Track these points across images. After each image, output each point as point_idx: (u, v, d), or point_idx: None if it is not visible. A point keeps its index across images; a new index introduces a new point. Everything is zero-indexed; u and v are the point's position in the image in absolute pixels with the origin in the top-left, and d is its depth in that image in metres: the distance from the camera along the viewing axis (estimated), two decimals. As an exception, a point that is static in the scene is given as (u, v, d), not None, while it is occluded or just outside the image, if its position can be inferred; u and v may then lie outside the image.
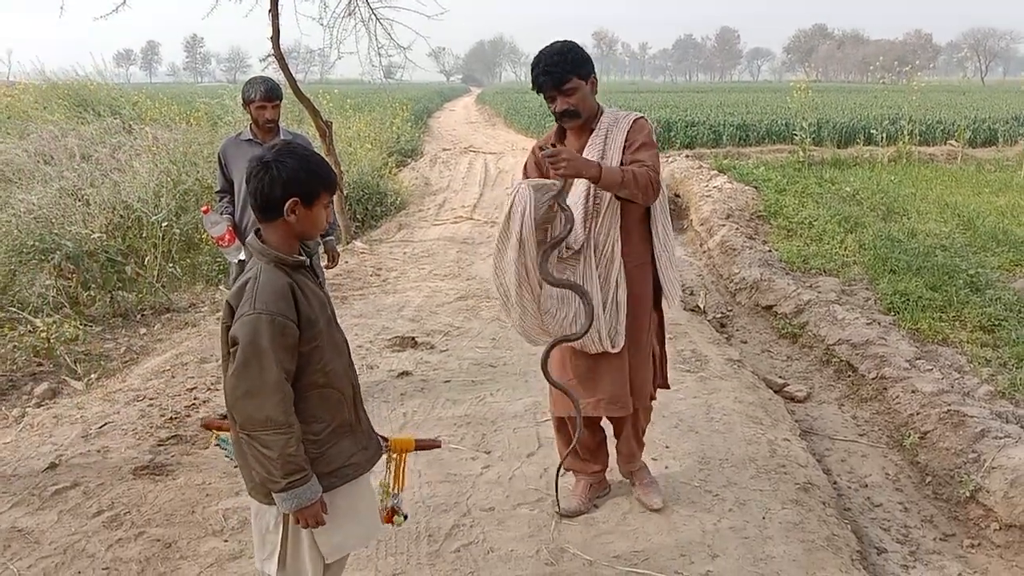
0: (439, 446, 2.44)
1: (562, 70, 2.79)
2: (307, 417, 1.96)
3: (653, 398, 3.26)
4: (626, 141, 2.86)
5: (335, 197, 9.64)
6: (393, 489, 2.27)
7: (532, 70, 2.87)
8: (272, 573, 2.06)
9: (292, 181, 1.92)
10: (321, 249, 4.40)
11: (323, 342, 1.97)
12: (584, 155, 2.84)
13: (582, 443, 3.17)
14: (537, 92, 2.88)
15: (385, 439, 2.26)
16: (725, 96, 30.80)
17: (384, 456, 2.24)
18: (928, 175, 12.43)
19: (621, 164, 2.82)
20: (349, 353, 2.13)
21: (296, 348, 1.91)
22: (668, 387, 3.36)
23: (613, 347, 2.93)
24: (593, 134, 2.91)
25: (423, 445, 2.34)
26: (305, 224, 1.97)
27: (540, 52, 2.86)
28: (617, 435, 3.29)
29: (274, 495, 1.92)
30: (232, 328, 1.90)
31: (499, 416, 4.18)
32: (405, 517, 2.31)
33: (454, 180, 13.89)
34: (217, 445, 2.30)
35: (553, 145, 2.93)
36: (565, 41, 2.87)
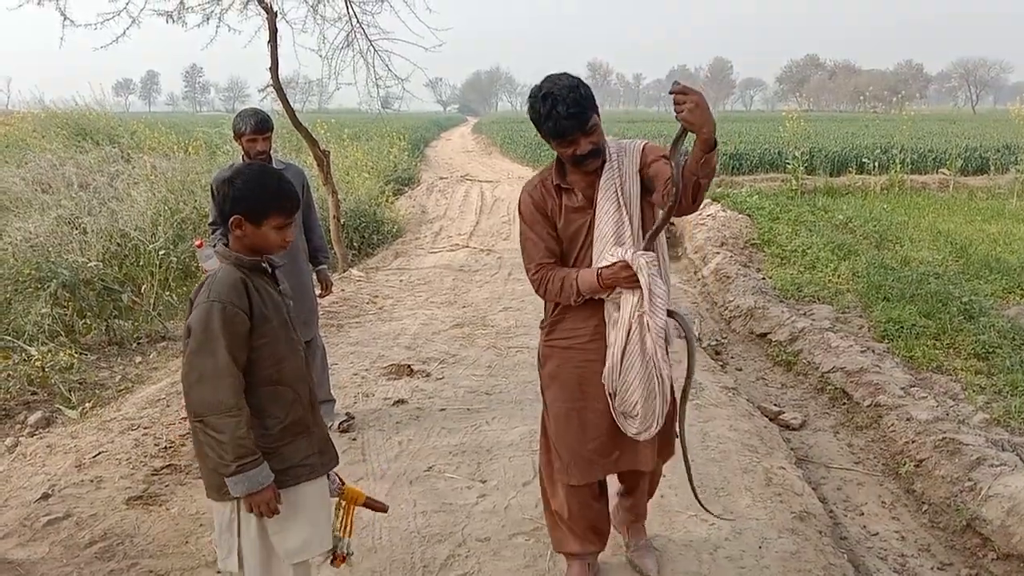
0: (385, 511, 2.47)
1: (583, 108, 2.44)
2: (259, 412, 2.03)
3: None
4: (641, 161, 2.60)
5: (332, 225, 9.56)
6: (341, 534, 2.31)
7: (547, 115, 2.44)
8: (234, 570, 2.10)
9: (240, 200, 2.04)
10: (315, 278, 4.42)
11: (276, 339, 2.06)
12: (600, 187, 2.59)
13: (588, 516, 2.84)
14: (556, 138, 2.49)
15: (342, 482, 2.31)
16: (718, 126, 30.70)
17: (336, 499, 2.30)
18: (920, 203, 12.54)
19: (641, 187, 2.61)
20: (305, 360, 2.21)
21: (247, 338, 2.00)
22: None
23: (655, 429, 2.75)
24: (605, 165, 2.59)
25: (371, 504, 2.38)
26: (254, 240, 2.08)
27: (549, 94, 2.44)
28: (631, 491, 3.03)
29: (226, 480, 1.97)
30: (189, 318, 2.01)
31: (494, 445, 4.17)
32: (351, 554, 2.35)
33: (450, 208, 13.97)
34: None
35: (557, 186, 2.63)
36: (568, 75, 2.51)
